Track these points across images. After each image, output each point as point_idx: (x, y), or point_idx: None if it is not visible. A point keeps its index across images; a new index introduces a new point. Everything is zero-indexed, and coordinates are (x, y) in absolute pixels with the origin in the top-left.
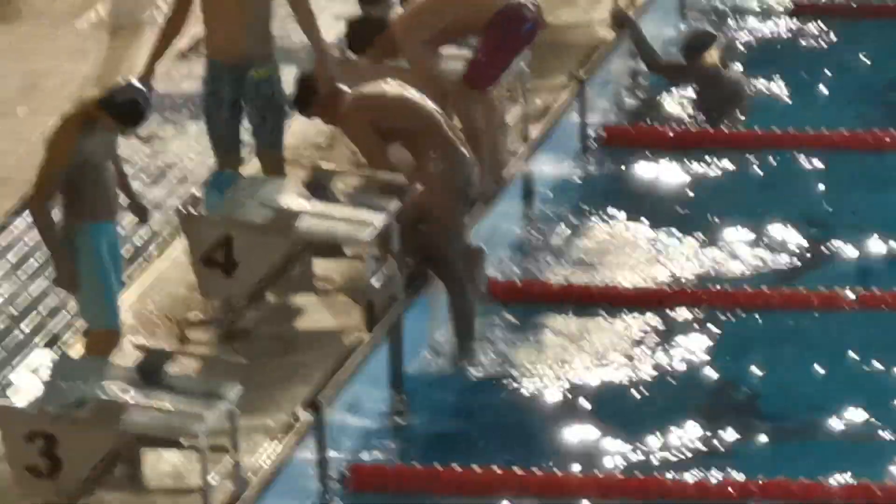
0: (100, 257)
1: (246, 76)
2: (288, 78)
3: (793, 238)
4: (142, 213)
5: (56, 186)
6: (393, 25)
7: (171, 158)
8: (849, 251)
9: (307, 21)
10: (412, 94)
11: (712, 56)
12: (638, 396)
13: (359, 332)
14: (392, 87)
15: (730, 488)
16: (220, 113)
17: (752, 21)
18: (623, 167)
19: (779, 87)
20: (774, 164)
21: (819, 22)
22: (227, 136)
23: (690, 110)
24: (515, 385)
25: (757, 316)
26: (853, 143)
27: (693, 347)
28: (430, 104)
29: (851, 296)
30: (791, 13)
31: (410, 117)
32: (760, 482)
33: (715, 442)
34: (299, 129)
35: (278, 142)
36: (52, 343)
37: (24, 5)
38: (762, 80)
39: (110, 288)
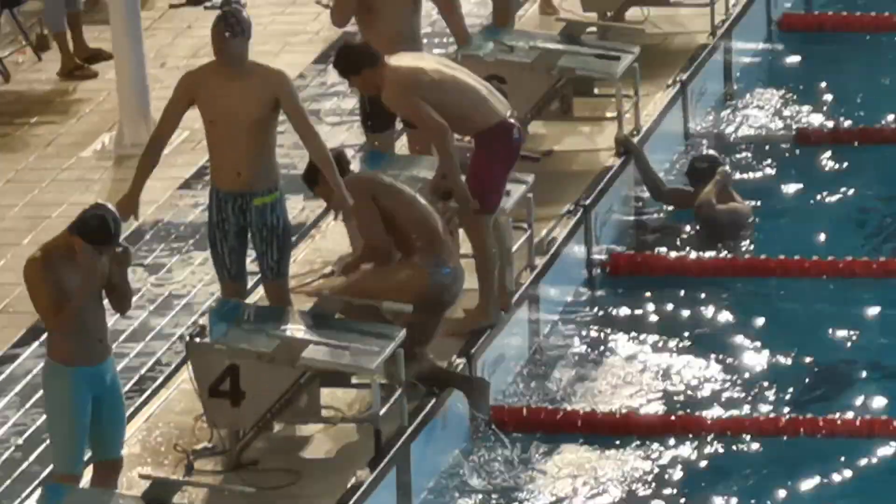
0: (73, 402)
1: (250, 205)
2: (292, 206)
3: (800, 364)
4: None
5: (57, 313)
6: (385, 71)
7: (176, 287)
8: (857, 378)
9: (315, 147)
10: (416, 195)
11: (709, 190)
12: None
13: (366, 462)
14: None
15: None
16: (225, 241)
17: (756, 149)
18: (629, 295)
19: (784, 215)
20: (781, 291)
21: (823, 150)
22: (232, 265)
23: (695, 238)
24: None
25: (766, 443)
26: (859, 271)
27: (703, 476)
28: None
29: (867, 422)
30: (795, 141)
31: (406, 206)
32: None
33: None
34: (304, 258)
35: (283, 270)
36: None
37: (30, 136)
38: (767, 208)
39: (80, 434)
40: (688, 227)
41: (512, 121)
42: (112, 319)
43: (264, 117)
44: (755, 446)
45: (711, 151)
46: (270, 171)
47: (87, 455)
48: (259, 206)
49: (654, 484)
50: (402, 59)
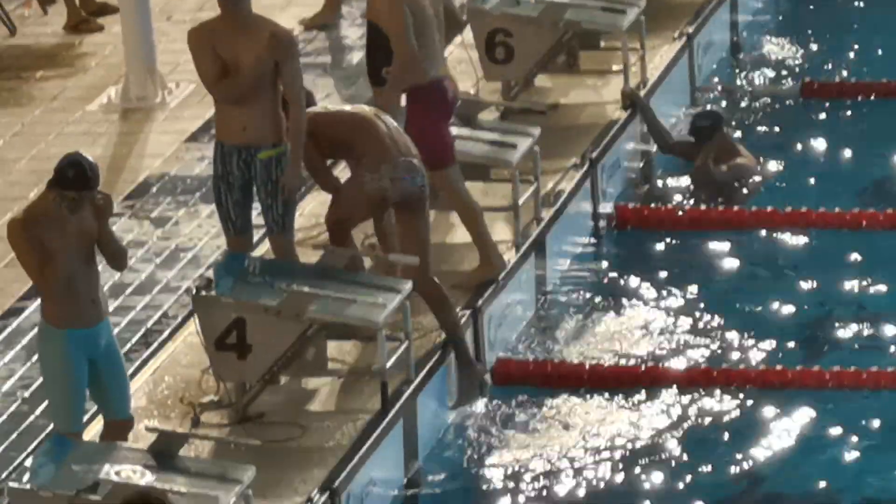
0: (66, 363)
1: (254, 159)
2: None
3: (804, 318)
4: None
5: (42, 272)
6: None
7: (182, 241)
8: (859, 330)
9: (296, 120)
10: (356, 107)
11: (704, 155)
12: (654, 478)
13: (373, 415)
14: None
15: None
16: (231, 195)
17: (762, 102)
18: (635, 248)
19: (789, 167)
20: (787, 243)
21: (829, 103)
22: (237, 219)
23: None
24: (529, 466)
25: (772, 396)
26: (866, 223)
27: (708, 426)
28: (372, 119)
29: (862, 374)
30: (800, 93)
31: (333, 125)
32: None
33: None
34: (310, 211)
35: (289, 223)
36: None
37: (36, 90)
38: (773, 161)
39: (75, 394)
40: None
41: (447, 82)
42: (117, 274)
43: (268, 72)
44: (761, 398)
45: (713, 107)
46: (275, 125)
47: (91, 412)
48: (264, 160)
49: (660, 435)
50: None
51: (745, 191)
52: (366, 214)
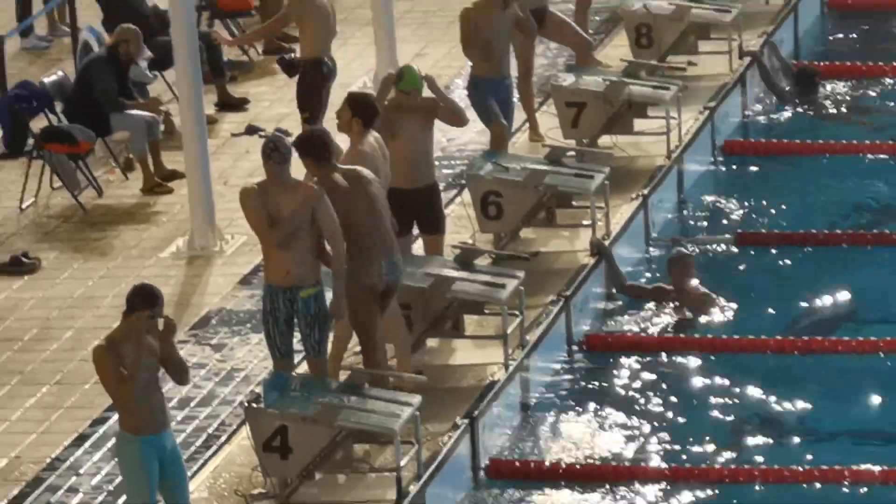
0: (141, 464)
1: (297, 297)
2: (330, 296)
3: (741, 422)
4: (168, 328)
5: (122, 387)
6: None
7: (237, 363)
8: (804, 443)
9: (337, 254)
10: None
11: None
12: None
13: None
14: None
15: None
16: (277, 326)
17: (703, 249)
18: (602, 368)
19: (730, 303)
20: (721, 363)
21: (759, 251)
22: (282, 345)
23: (657, 320)
24: None
25: (715, 488)
26: (794, 349)
27: None
28: (373, 202)
29: (817, 473)
30: (735, 242)
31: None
32: None
33: None
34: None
35: (323, 348)
36: None
37: (118, 241)
38: (715, 298)
39: (148, 489)
40: (648, 314)
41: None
42: (183, 390)
43: (306, 222)
44: (704, 492)
45: (683, 250)
46: (314, 268)
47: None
48: (305, 298)
49: None
50: (372, 161)
51: (692, 317)
52: (368, 309)
